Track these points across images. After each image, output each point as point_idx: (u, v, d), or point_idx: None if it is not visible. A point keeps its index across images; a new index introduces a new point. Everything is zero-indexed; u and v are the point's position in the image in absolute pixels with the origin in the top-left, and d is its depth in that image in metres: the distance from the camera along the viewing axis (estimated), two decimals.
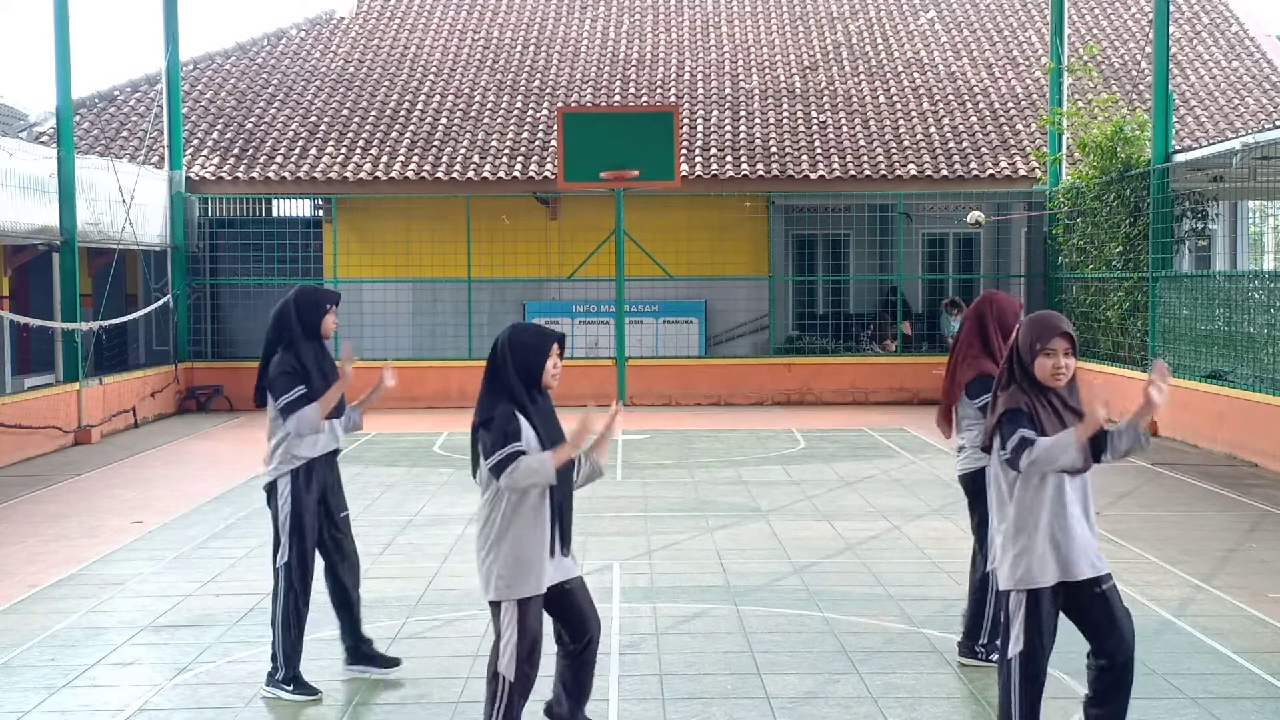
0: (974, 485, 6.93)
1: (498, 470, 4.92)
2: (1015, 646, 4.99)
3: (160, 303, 21.01)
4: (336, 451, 6.70)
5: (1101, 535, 10.32)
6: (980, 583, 6.82)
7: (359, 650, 6.78)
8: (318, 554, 6.64)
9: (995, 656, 6.81)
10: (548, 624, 5.24)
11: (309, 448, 6.50)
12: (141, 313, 21.03)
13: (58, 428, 16.09)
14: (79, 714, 6.26)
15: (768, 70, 25.33)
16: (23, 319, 17.96)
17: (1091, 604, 5.03)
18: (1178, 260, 19.30)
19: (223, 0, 63.02)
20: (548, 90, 24.61)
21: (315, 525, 6.54)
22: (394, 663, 6.79)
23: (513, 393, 4.99)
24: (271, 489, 6.53)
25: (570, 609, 5.23)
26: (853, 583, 8.73)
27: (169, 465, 14.79)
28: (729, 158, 22.35)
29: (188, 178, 21.65)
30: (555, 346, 5.07)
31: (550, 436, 5.03)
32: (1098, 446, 4.93)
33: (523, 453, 4.90)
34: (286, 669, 6.43)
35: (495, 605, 5.08)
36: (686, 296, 22.27)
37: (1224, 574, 8.89)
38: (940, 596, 8.28)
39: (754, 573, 9.03)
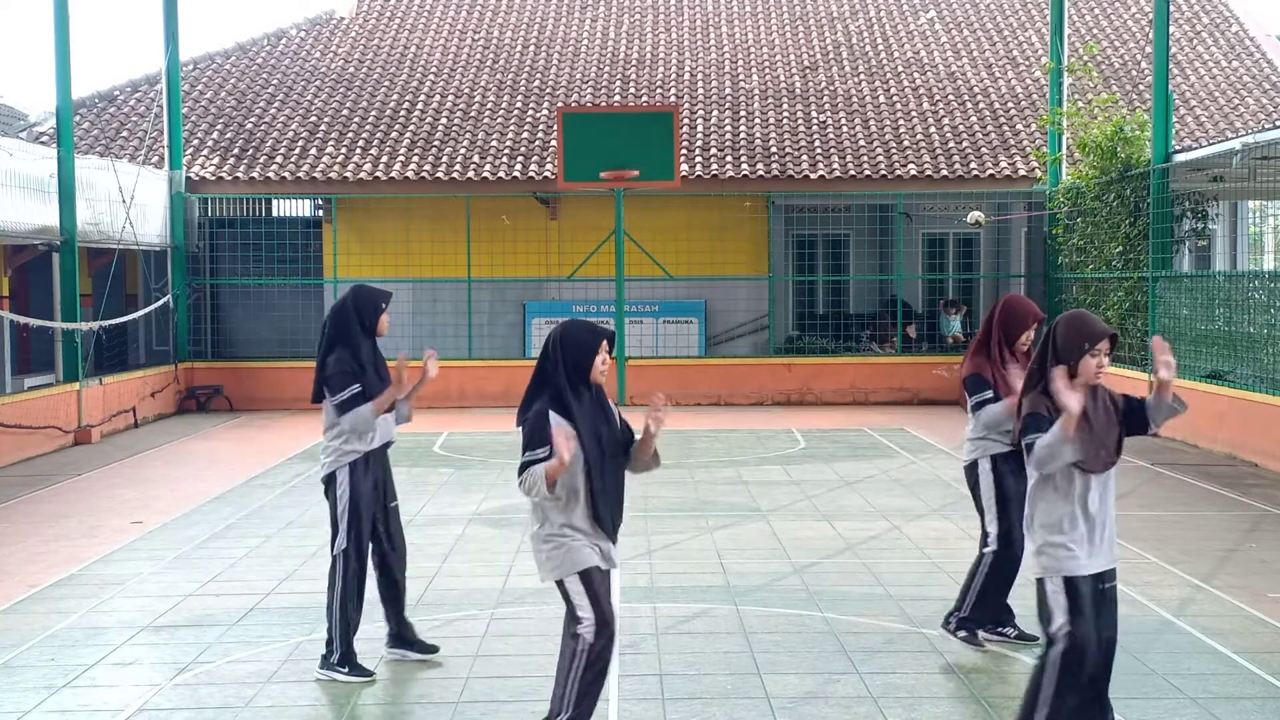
0: (970, 477, 7.17)
1: (518, 473, 5.20)
2: (1060, 630, 5.15)
3: (160, 303, 21.00)
4: (389, 444, 6.96)
5: None
6: (975, 561, 7.10)
7: (400, 635, 7.03)
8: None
9: (961, 633, 7.03)
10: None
11: (365, 441, 6.76)
12: (141, 313, 21.02)
13: (58, 428, 16.09)
14: (79, 714, 6.26)
15: (768, 70, 25.33)
16: (23, 319, 17.96)
17: (1107, 599, 5.26)
18: (1178, 260, 19.30)
19: (223, 0, 63.04)
20: (548, 90, 24.61)
21: (371, 514, 6.80)
22: (433, 649, 7.03)
23: (558, 388, 5.21)
24: (330, 480, 6.78)
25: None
26: (853, 583, 8.73)
27: (169, 465, 14.79)
28: (729, 158, 22.35)
29: (188, 178, 21.65)
30: (605, 344, 5.29)
31: (590, 430, 5.21)
32: (1138, 423, 5.29)
33: (538, 463, 5.12)
34: (341, 651, 6.68)
35: (560, 585, 5.28)
36: (686, 296, 22.27)
37: (1224, 574, 8.89)
38: (940, 596, 8.27)
39: (754, 573, 9.02)
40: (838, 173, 21.86)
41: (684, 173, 21.20)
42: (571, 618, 5.30)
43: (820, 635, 7.44)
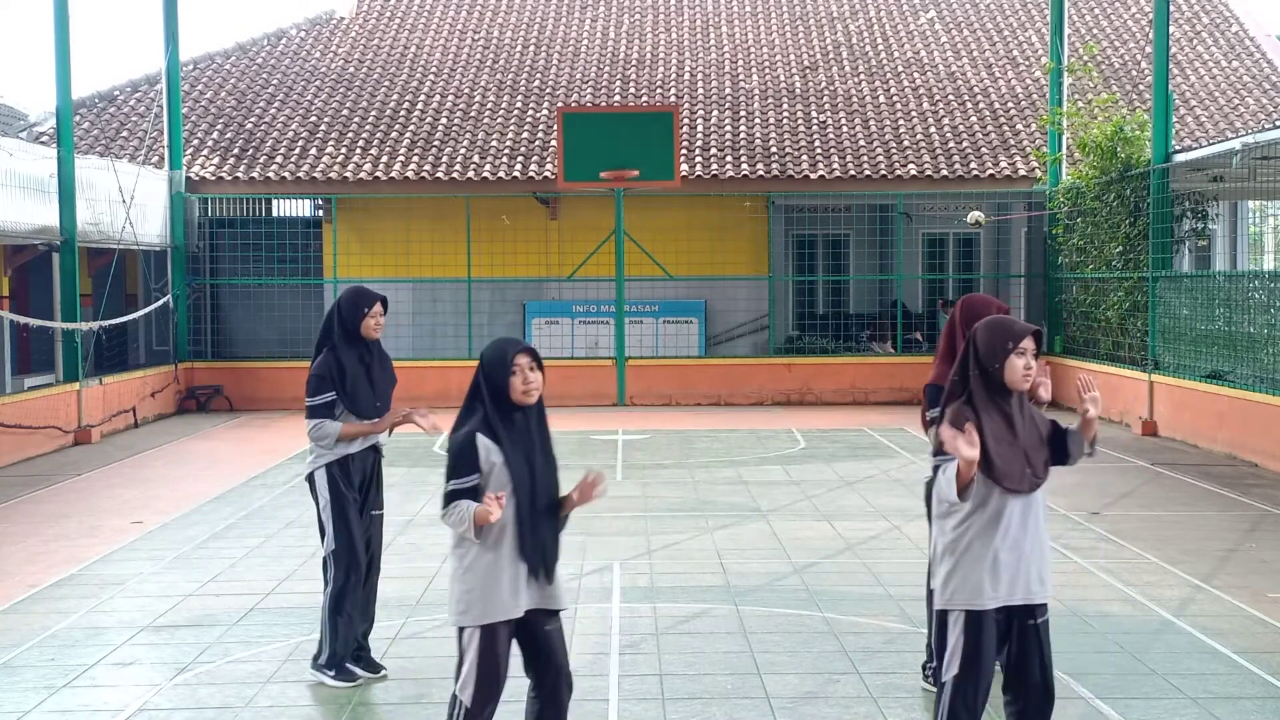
0: (925, 493, 6.59)
1: (442, 503, 4.78)
2: (950, 670, 4.71)
3: (160, 303, 21.00)
4: (377, 449, 6.82)
5: (1101, 535, 10.36)
6: (927, 599, 6.45)
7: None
8: None
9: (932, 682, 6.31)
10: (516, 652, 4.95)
11: (344, 443, 6.63)
12: (141, 313, 21.02)
13: (58, 428, 16.09)
14: (79, 714, 6.26)
15: (768, 70, 25.33)
16: (23, 319, 17.96)
17: (1021, 635, 4.78)
18: (1178, 260, 19.29)
19: (223, 0, 63.04)
20: (548, 90, 24.61)
21: (358, 512, 6.67)
22: (379, 669, 6.78)
23: (485, 412, 4.75)
24: (311, 480, 6.70)
25: (536, 646, 4.89)
26: (853, 583, 8.73)
27: (169, 465, 14.78)
28: (729, 158, 22.35)
29: (188, 178, 21.65)
30: (525, 359, 4.75)
31: (522, 458, 4.74)
32: (1059, 453, 4.79)
33: (467, 492, 4.69)
34: (329, 654, 6.59)
35: (459, 629, 4.83)
36: (686, 296, 22.26)
37: (1224, 574, 8.88)
38: None
39: (754, 573, 9.02)
40: (838, 173, 21.86)
41: (684, 173, 21.20)
42: (457, 670, 4.80)
43: (820, 635, 7.44)
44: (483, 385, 4.77)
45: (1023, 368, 4.64)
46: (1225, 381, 14.81)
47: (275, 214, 24.05)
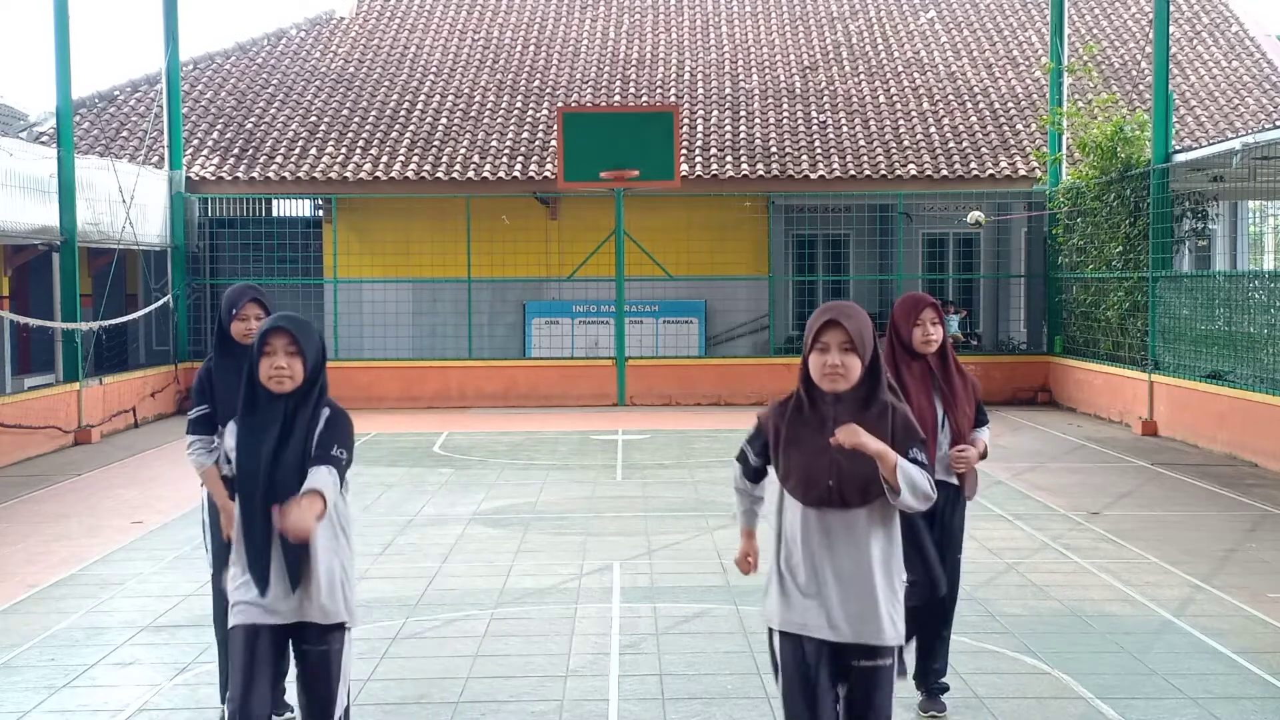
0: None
1: None
2: (779, 684, 4.15)
3: (160, 303, 21.00)
4: None
5: (1101, 535, 10.34)
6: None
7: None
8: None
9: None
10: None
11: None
12: (141, 313, 21.02)
13: (58, 428, 16.08)
14: (79, 714, 6.26)
15: (768, 70, 25.33)
16: (23, 319, 17.95)
17: (856, 680, 4.07)
18: (1178, 260, 19.29)
19: (223, 0, 63.05)
20: (548, 90, 24.61)
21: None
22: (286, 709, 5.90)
23: (243, 393, 4.30)
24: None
25: (299, 671, 4.42)
26: None
27: (169, 465, 14.76)
28: (729, 158, 22.35)
29: (188, 178, 21.64)
30: (283, 342, 4.22)
31: (250, 451, 4.25)
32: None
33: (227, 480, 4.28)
34: (221, 694, 5.86)
35: None
36: (686, 296, 22.26)
37: (1224, 574, 8.88)
38: None
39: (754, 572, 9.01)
40: (838, 173, 21.86)
41: (684, 173, 21.20)
42: None
43: None
44: (248, 364, 4.32)
45: (823, 365, 4.02)
46: (1225, 381, 14.81)
47: (275, 214, 24.06)
